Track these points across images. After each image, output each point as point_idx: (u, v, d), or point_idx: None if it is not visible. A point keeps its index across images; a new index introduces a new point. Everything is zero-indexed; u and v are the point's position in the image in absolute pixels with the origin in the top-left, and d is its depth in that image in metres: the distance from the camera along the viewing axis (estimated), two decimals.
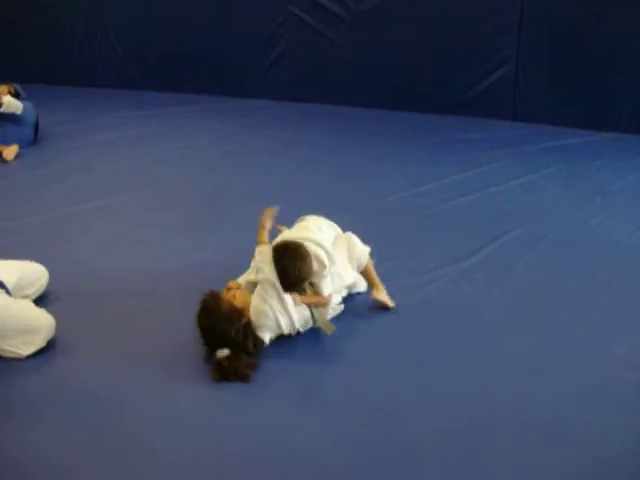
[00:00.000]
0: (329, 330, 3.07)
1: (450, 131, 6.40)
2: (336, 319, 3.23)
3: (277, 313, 2.98)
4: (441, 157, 5.68)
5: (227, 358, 2.85)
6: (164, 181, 5.09)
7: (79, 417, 2.59)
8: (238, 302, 2.99)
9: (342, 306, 3.29)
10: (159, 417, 2.62)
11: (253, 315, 2.99)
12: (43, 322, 2.99)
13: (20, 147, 5.67)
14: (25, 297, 3.20)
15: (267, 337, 3.01)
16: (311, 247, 3.08)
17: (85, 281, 3.54)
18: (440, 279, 3.60)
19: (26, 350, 2.91)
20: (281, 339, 3.07)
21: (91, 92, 7.89)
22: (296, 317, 3.02)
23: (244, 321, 2.95)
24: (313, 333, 3.15)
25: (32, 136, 5.94)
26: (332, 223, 3.41)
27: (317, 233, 3.22)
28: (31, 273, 3.30)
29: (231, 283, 3.12)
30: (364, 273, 3.36)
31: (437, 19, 6.77)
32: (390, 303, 3.32)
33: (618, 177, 5.20)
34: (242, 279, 3.18)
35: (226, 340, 2.89)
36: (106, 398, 2.70)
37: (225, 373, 2.83)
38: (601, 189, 4.96)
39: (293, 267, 2.97)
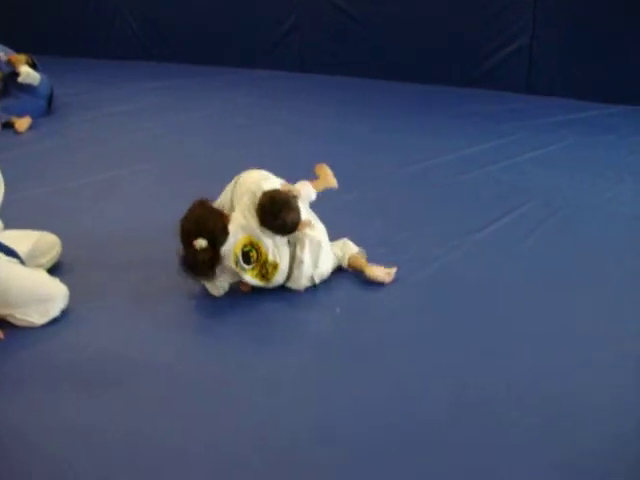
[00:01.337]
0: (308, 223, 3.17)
1: (464, 104, 6.35)
2: (347, 292, 3.23)
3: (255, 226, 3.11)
4: (455, 130, 5.64)
5: (204, 250, 2.95)
6: (176, 153, 5.09)
7: (90, 385, 2.61)
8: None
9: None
10: (171, 386, 2.63)
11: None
12: (57, 291, 3.00)
13: (33, 118, 5.68)
14: (38, 267, 3.20)
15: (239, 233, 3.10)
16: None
17: (98, 251, 3.55)
18: (453, 251, 3.58)
19: (40, 319, 2.93)
20: (293, 313, 3.08)
21: (104, 64, 7.88)
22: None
23: (225, 222, 3.08)
24: (328, 302, 3.16)
25: (45, 108, 5.94)
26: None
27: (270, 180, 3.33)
28: (44, 243, 3.31)
29: None
30: (351, 265, 3.35)
31: None
32: (386, 278, 3.29)
33: (633, 150, 5.14)
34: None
35: (203, 228, 2.99)
36: (118, 367, 2.71)
37: (197, 262, 2.96)
38: (616, 162, 4.90)
39: (290, 219, 3.08)
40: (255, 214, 3.11)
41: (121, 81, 7.20)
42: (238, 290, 3.21)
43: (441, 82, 6.85)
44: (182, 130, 5.64)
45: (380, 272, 3.28)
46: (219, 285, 3.16)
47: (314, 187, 3.41)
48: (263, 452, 2.31)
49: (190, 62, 7.72)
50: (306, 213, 3.25)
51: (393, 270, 3.31)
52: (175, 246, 3.06)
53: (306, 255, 3.16)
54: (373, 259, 3.35)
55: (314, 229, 3.23)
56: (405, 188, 4.47)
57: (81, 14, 8.11)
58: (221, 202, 3.33)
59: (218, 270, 3.09)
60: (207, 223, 3.02)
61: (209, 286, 3.17)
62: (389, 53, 7.03)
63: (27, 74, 5.64)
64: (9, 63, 5.65)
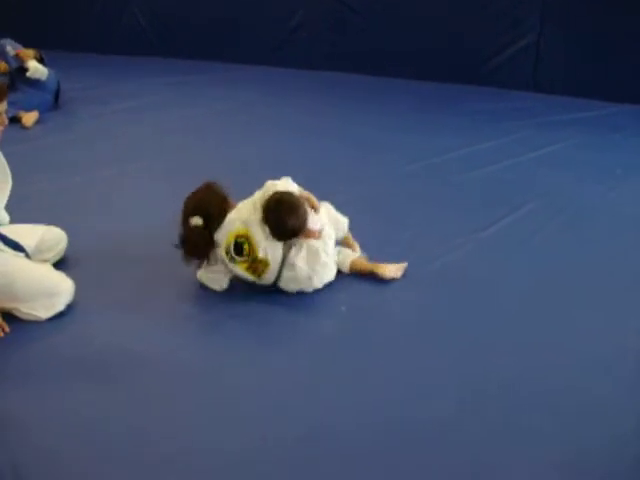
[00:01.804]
0: (314, 234, 3.14)
1: (470, 101, 6.35)
2: (349, 291, 3.22)
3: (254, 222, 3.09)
4: (459, 127, 5.64)
5: (198, 228, 3.04)
6: (183, 149, 5.10)
7: (95, 379, 2.62)
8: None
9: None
10: (173, 379, 2.65)
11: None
12: (63, 286, 3.01)
13: (40, 113, 5.70)
14: (44, 261, 3.22)
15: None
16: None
17: (104, 246, 3.56)
18: (457, 250, 3.59)
19: (45, 313, 2.94)
20: (293, 312, 3.10)
21: (111, 59, 7.90)
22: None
23: (226, 207, 3.13)
24: (331, 301, 3.16)
25: (52, 102, 5.96)
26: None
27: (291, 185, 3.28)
28: (50, 237, 3.33)
29: None
30: (353, 269, 3.32)
31: None
32: (397, 273, 3.29)
33: (639, 150, 5.14)
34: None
35: (202, 207, 3.08)
36: (123, 361, 2.73)
37: (191, 239, 3.05)
38: (622, 161, 4.91)
39: (292, 225, 3.05)
40: (260, 209, 3.10)
41: (128, 76, 7.21)
42: (242, 288, 3.22)
43: (447, 79, 6.85)
44: (189, 127, 5.65)
45: (391, 269, 3.28)
46: (217, 278, 3.18)
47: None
48: (265, 449, 2.32)
49: (197, 58, 7.73)
50: (325, 221, 3.23)
51: (404, 265, 3.32)
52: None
53: (300, 260, 3.10)
54: (377, 257, 3.36)
55: (320, 238, 3.17)
56: (408, 186, 4.47)
57: (89, 9, 8.12)
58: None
59: (213, 259, 3.15)
60: (207, 204, 3.10)
61: (209, 280, 3.19)
62: (395, 50, 7.02)
63: (35, 69, 5.66)
64: (17, 57, 5.68)
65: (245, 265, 3.11)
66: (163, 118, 5.82)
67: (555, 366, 2.73)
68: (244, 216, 3.11)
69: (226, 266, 3.16)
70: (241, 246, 3.08)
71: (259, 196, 3.16)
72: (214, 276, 3.19)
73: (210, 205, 3.10)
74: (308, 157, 4.83)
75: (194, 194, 3.15)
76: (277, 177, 3.27)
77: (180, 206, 3.11)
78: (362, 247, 3.45)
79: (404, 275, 3.31)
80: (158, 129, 5.56)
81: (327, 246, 3.18)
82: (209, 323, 3.05)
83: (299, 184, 3.30)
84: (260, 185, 3.25)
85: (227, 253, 3.10)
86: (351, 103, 6.37)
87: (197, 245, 3.10)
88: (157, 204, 4.05)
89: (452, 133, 5.49)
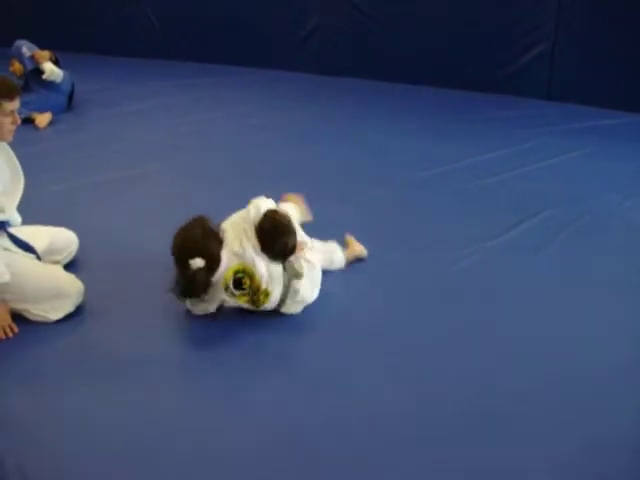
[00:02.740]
0: (299, 277, 3.03)
1: (484, 109, 6.34)
2: (346, 295, 3.21)
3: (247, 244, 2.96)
4: (474, 135, 5.63)
5: (201, 269, 2.82)
6: (193, 153, 5.11)
7: (103, 381, 2.62)
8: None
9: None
10: (179, 382, 2.67)
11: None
12: (72, 287, 3.01)
13: (53, 114, 5.71)
14: (55, 263, 3.22)
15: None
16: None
17: (114, 248, 3.56)
18: (467, 258, 3.57)
19: (55, 315, 2.94)
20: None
21: (124, 61, 7.94)
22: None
23: (220, 249, 2.91)
24: (340, 305, 3.15)
25: (66, 104, 5.98)
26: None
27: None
28: (61, 239, 3.33)
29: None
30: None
31: None
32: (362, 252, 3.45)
33: None
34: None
35: (202, 250, 2.84)
36: (130, 363, 2.73)
37: (194, 282, 2.83)
38: (635, 171, 4.87)
39: (291, 244, 2.97)
40: (254, 236, 2.96)
41: (141, 79, 7.24)
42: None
43: (461, 87, 6.83)
44: (201, 130, 5.65)
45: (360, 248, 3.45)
46: (202, 308, 3.06)
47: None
48: (266, 451, 2.31)
49: (210, 62, 7.75)
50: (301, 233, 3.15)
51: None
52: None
53: (304, 285, 3.03)
54: (385, 264, 3.34)
55: (311, 250, 3.12)
56: (420, 193, 4.45)
57: (102, 11, 8.16)
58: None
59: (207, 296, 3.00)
60: (206, 244, 2.88)
61: (192, 307, 3.06)
62: (409, 56, 7.02)
63: (51, 71, 5.69)
64: (33, 59, 5.70)
65: (245, 298, 2.97)
66: (174, 121, 5.83)
67: (557, 373, 2.72)
68: (236, 249, 2.96)
69: (220, 300, 3.02)
70: (240, 280, 2.94)
71: (246, 223, 3.02)
72: (201, 306, 3.05)
73: (209, 244, 2.89)
74: (318, 163, 4.82)
75: (187, 232, 2.91)
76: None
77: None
78: (369, 253, 3.45)
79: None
80: (169, 131, 5.57)
81: (316, 251, 3.15)
82: (217, 326, 3.04)
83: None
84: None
85: (226, 289, 2.95)
86: (363, 109, 6.36)
87: (198, 288, 2.89)
88: (168, 206, 4.05)
89: (465, 140, 5.48)
